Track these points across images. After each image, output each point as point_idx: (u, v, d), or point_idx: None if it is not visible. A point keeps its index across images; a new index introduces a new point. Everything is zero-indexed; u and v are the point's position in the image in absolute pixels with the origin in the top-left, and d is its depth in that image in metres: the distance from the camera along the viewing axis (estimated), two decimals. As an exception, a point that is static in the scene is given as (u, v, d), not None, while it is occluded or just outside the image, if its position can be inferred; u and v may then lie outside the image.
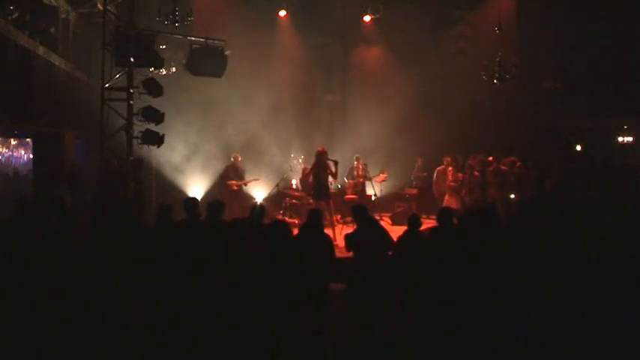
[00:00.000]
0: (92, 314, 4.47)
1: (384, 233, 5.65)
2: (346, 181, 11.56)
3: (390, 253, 5.54)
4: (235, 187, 10.83)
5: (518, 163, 10.35)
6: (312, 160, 9.57)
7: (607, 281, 4.01)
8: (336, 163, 9.38)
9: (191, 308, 4.57)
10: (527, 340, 3.93)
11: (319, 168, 9.30)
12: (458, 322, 4.20)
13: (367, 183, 11.36)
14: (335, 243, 8.60)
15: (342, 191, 11.96)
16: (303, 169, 11.68)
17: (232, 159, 11.10)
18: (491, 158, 10.57)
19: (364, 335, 5.17)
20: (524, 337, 3.93)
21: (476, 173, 10.09)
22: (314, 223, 5.41)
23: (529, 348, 3.91)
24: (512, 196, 9.70)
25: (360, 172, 11.10)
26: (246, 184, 11.12)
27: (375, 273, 5.28)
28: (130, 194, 8.28)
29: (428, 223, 9.23)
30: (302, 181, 11.73)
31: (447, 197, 10.75)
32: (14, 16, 8.03)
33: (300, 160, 12.54)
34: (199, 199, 10.27)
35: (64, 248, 4.77)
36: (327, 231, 9.11)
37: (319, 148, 9.51)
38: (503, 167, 10.32)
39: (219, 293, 4.64)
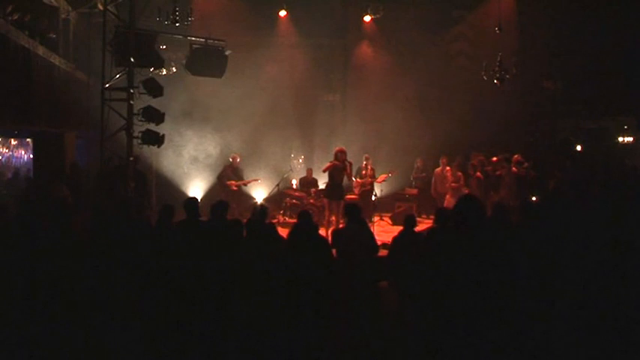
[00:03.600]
0: (92, 314, 4.47)
1: (371, 236, 5.61)
2: (354, 180, 11.56)
3: (374, 255, 5.50)
4: (234, 188, 10.80)
5: (526, 164, 10.28)
6: (312, 161, 9.59)
7: (607, 281, 4.01)
8: (350, 164, 9.45)
9: (192, 308, 4.57)
10: (528, 340, 3.92)
11: (336, 167, 9.33)
12: (456, 322, 4.19)
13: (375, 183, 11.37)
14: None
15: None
16: (308, 170, 11.71)
17: (231, 159, 11.07)
18: (495, 159, 10.54)
19: (340, 334, 5.12)
20: (524, 338, 3.93)
21: (478, 174, 10.08)
22: (306, 224, 5.36)
23: (530, 348, 3.91)
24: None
25: (368, 172, 11.10)
26: (245, 185, 11.10)
27: (355, 272, 5.23)
28: (130, 194, 8.28)
29: (428, 224, 9.24)
30: (302, 181, 11.74)
31: (448, 197, 10.76)
32: (15, 17, 8.04)
33: (300, 160, 12.54)
34: (199, 200, 10.31)
35: (63, 248, 4.76)
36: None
37: (339, 148, 9.54)
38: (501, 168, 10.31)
39: (223, 294, 4.64)
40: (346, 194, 10.17)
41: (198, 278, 4.67)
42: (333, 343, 4.97)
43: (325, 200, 9.63)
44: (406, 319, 5.28)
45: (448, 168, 11.27)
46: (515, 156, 10.37)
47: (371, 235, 5.60)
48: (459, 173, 10.74)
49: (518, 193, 9.59)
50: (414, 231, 5.66)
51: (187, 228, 5.44)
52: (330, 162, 9.41)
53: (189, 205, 5.64)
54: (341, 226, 9.57)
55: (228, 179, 10.82)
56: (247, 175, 11.30)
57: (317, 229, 5.67)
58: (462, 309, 4.03)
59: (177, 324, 4.54)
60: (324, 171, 9.57)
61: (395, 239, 5.58)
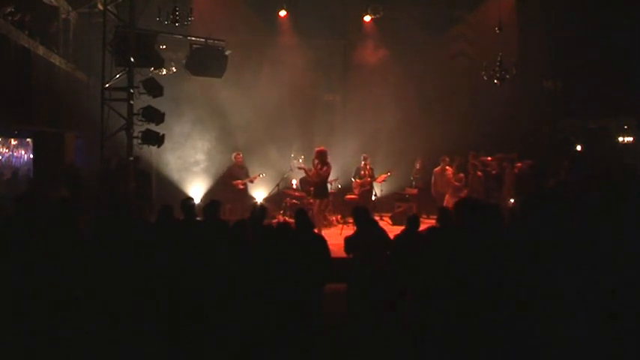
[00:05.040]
0: (92, 314, 4.47)
1: (383, 233, 5.63)
2: (353, 180, 11.58)
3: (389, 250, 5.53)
4: (241, 186, 10.80)
5: (519, 164, 10.31)
6: (311, 160, 9.67)
7: (607, 282, 4.01)
8: (324, 166, 9.59)
9: (191, 308, 4.57)
10: (528, 340, 3.92)
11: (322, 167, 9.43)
12: (459, 321, 4.19)
13: (374, 183, 11.38)
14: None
15: (342, 191, 11.96)
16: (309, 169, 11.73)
17: (234, 158, 11.06)
18: (490, 158, 10.57)
19: (364, 335, 5.16)
20: (525, 338, 3.93)
21: (479, 174, 10.09)
22: (303, 223, 5.37)
23: (529, 348, 3.91)
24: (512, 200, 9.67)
25: (367, 172, 11.12)
26: (252, 181, 11.09)
27: (375, 273, 5.26)
28: (130, 194, 8.28)
29: (428, 223, 9.24)
30: (302, 181, 11.73)
31: (447, 197, 10.76)
32: (16, 17, 8.04)
33: (301, 160, 12.54)
34: (199, 200, 10.31)
35: (64, 248, 4.77)
36: (327, 230, 9.28)
37: (323, 148, 9.59)
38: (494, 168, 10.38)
39: (219, 294, 4.64)
40: (329, 194, 10.25)
41: (196, 278, 4.67)
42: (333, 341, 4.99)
43: (314, 200, 9.80)
44: (407, 318, 5.29)
45: (448, 168, 11.28)
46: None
47: (383, 233, 5.62)
48: (461, 175, 10.78)
49: (519, 192, 9.61)
50: (416, 231, 5.65)
51: (185, 228, 5.44)
52: (326, 166, 9.58)
53: (186, 205, 5.66)
54: (340, 225, 9.63)
55: (234, 178, 10.80)
56: (250, 172, 11.30)
57: (312, 227, 5.67)
58: (463, 308, 4.03)
59: (175, 323, 4.54)
60: (325, 174, 9.65)
61: (397, 238, 5.57)
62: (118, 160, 8.76)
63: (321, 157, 9.51)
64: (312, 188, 10.79)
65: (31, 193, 8.04)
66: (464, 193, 10.56)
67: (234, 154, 11.13)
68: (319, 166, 9.51)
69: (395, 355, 4.95)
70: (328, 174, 9.68)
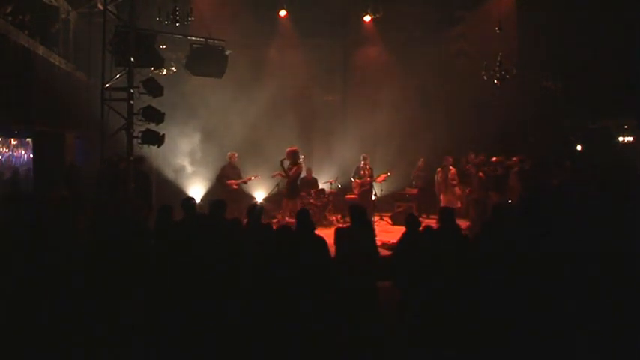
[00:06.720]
0: (92, 314, 4.47)
1: (373, 240, 5.56)
2: (353, 180, 11.58)
3: (373, 260, 5.48)
4: (235, 187, 10.78)
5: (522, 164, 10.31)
6: (312, 161, 9.70)
7: (607, 280, 4.01)
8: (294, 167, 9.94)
9: (192, 308, 4.57)
10: (528, 338, 3.92)
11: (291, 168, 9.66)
12: (459, 321, 4.20)
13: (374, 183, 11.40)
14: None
15: (342, 191, 11.96)
16: (308, 170, 11.73)
17: (228, 158, 11.04)
18: (494, 159, 10.58)
19: (342, 334, 5.11)
20: (525, 336, 3.93)
21: (480, 174, 10.11)
22: (307, 223, 5.35)
23: (529, 347, 3.91)
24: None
25: (367, 172, 11.13)
26: (245, 183, 11.07)
27: (357, 272, 5.20)
28: (129, 194, 8.26)
29: (428, 223, 9.25)
30: (302, 182, 11.73)
31: (443, 197, 10.84)
32: (17, 19, 8.04)
33: (301, 160, 12.54)
34: (199, 199, 10.27)
35: (63, 248, 4.76)
36: (327, 230, 9.27)
37: (294, 148, 9.88)
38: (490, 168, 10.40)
39: (222, 293, 4.64)
40: (298, 193, 10.43)
41: (196, 277, 4.67)
42: (331, 342, 4.97)
43: (290, 200, 9.99)
44: (406, 319, 5.28)
45: (452, 168, 11.31)
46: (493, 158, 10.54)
47: (373, 240, 5.56)
48: (453, 170, 10.85)
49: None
50: (418, 231, 5.62)
51: (185, 227, 5.44)
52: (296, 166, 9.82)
53: (186, 205, 5.67)
54: (340, 225, 9.63)
55: (228, 179, 10.79)
56: (247, 174, 11.30)
57: (314, 228, 5.64)
58: (463, 309, 4.04)
59: (173, 323, 4.54)
60: (294, 174, 9.74)
61: (400, 240, 5.56)
62: (117, 160, 8.73)
63: (292, 157, 9.58)
64: (319, 188, 10.92)
65: (30, 193, 8.05)
66: (456, 190, 10.63)
67: (228, 153, 11.10)
68: (289, 167, 9.61)
69: (388, 352, 4.95)
70: (296, 175, 9.78)
